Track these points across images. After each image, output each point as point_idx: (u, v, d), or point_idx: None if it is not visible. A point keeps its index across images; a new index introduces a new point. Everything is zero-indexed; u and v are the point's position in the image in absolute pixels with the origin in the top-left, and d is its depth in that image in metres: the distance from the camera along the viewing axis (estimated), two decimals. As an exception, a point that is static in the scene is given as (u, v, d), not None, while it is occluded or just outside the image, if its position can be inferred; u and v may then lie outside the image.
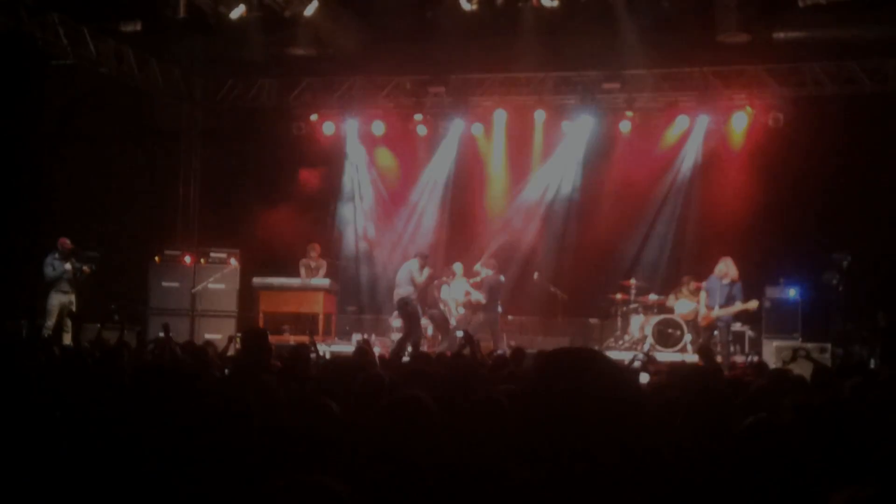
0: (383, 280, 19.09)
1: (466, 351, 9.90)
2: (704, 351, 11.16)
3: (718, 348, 15.15)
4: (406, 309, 15.66)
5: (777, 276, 16.20)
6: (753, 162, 17.64)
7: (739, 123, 17.97)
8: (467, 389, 5.93)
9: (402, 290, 15.68)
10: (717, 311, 14.90)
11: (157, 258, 17.79)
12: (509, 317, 17.80)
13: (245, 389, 5.32)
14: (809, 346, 14.63)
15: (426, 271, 16.01)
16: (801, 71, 17.67)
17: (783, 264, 16.50)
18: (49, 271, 15.48)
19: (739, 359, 15.17)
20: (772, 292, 15.98)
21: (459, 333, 13.04)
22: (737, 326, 16.33)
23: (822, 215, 16.68)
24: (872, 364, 13.79)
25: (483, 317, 16.24)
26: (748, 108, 17.78)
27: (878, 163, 17.16)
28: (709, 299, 15.13)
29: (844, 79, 17.46)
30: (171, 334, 11.57)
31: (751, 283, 15.34)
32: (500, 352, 12.82)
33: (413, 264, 15.95)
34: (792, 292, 16.01)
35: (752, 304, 15.15)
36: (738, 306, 14.91)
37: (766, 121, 17.54)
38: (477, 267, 17.15)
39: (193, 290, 17.33)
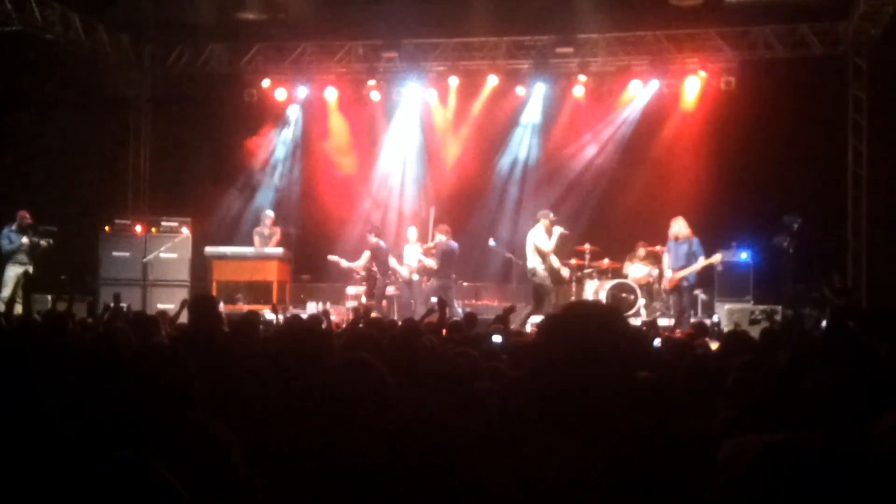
0: (338, 248, 18.97)
1: (434, 317, 9.88)
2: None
3: (672, 312, 15.24)
4: (532, 281, 15.31)
5: (729, 239, 16.30)
6: (706, 125, 17.74)
7: (692, 87, 18.05)
8: (414, 354, 5.93)
9: (527, 261, 15.31)
10: (681, 272, 14.92)
11: (107, 228, 17.53)
12: (464, 283, 17.79)
13: (189, 356, 5.25)
14: (759, 308, 14.76)
15: (556, 232, 15.24)
16: (753, 34, 17.76)
17: (735, 227, 16.62)
18: (5, 244, 15.43)
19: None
20: (724, 255, 16.07)
21: (434, 299, 13.05)
22: (691, 290, 16.44)
23: (774, 178, 16.79)
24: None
25: (436, 283, 16.19)
26: (700, 72, 17.86)
27: (829, 125, 17.33)
28: (669, 262, 15.18)
29: (795, 42, 17.57)
30: (122, 304, 11.49)
31: (703, 246, 15.40)
32: (453, 318, 12.79)
33: (535, 232, 15.27)
34: (744, 255, 16.12)
35: (716, 259, 15.18)
36: (702, 262, 14.94)
37: (718, 84, 17.65)
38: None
39: (144, 260, 17.14)
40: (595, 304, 2.35)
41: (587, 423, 2.13)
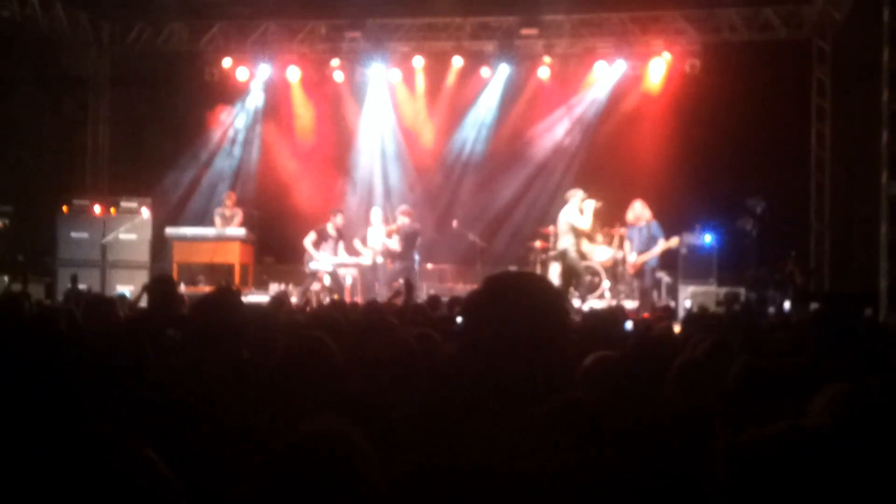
0: (301, 229, 18.80)
1: (400, 299, 9.82)
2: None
3: (637, 294, 15.25)
4: (563, 261, 15.06)
5: (693, 222, 16.31)
6: (670, 108, 17.72)
7: (657, 70, 18.02)
8: (376, 335, 5.83)
9: (560, 241, 15.08)
10: (643, 256, 14.89)
11: (65, 208, 17.28)
12: (428, 265, 17.70)
13: (144, 339, 5.11)
14: (724, 290, 14.80)
15: (589, 207, 14.93)
16: (717, 17, 17.76)
17: (699, 210, 16.62)
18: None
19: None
20: (688, 238, 16.09)
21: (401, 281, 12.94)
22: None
23: (738, 161, 16.80)
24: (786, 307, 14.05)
25: (399, 265, 16.08)
26: (665, 55, 17.83)
27: (792, 109, 17.38)
28: (631, 246, 15.16)
29: (759, 25, 17.59)
30: (79, 285, 11.33)
31: (667, 230, 15.42)
32: (416, 300, 12.70)
33: (569, 212, 14.99)
34: (707, 238, 16.14)
35: (674, 242, 15.21)
36: (661, 245, 14.96)
37: (682, 67, 17.64)
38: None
39: (103, 241, 16.92)
40: (516, 275, 2.23)
41: (519, 399, 2.05)
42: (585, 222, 14.99)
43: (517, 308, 2.10)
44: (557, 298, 2.18)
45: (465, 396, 2.10)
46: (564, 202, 15.36)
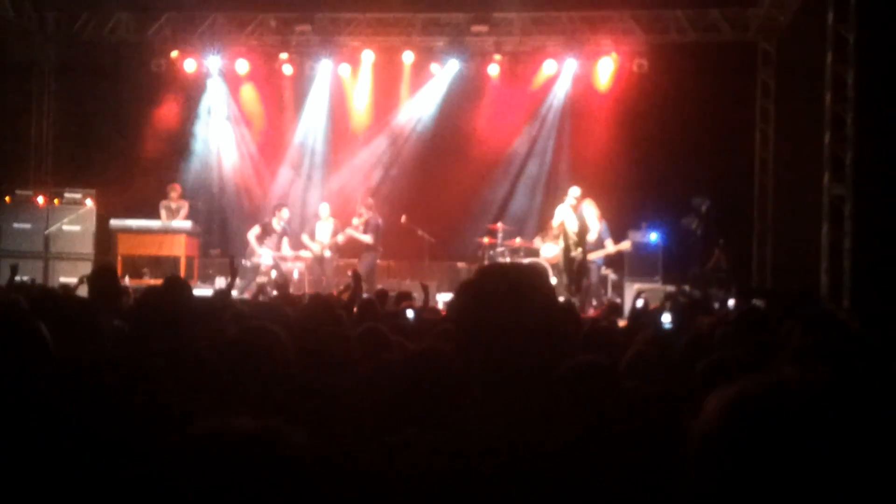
0: (247, 222, 18.69)
1: (347, 294, 9.82)
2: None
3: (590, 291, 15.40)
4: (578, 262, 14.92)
5: (639, 220, 16.48)
6: (618, 107, 17.87)
7: (605, 69, 18.16)
8: (324, 328, 5.83)
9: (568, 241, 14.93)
10: (591, 255, 15.03)
11: (7, 198, 17.04)
12: (377, 260, 17.68)
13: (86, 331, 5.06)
14: (667, 288, 14.96)
15: (586, 207, 14.75)
16: (665, 17, 17.92)
17: (645, 208, 16.79)
18: None
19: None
20: (634, 236, 16.24)
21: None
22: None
23: (684, 160, 16.98)
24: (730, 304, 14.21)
25: (370, 257, 16.26)
26: (613, 54, 17.97)
27: (737, 110, 17.62)
28: None
29: (706, 26, 17.78)
30: (21, 277, 11.16)
31: (614, 227, 15.56)
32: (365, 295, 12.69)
33: (561, 211, 14.78)
34: (653, 236, 16.30)
35: (625, 245, 15.35)
36: (610, 247, 15.12)
37: (630, 67, 17.78)
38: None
39: (46, 232, 16.68)
40: (510, 265, 2.27)
41: (518, 388, 2.07)
42: (574, 223, 14.86)
43: (511, 296, 2.12)
44: (550, 288, 2.21)
45: (461, 381, 2.14)
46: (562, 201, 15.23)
